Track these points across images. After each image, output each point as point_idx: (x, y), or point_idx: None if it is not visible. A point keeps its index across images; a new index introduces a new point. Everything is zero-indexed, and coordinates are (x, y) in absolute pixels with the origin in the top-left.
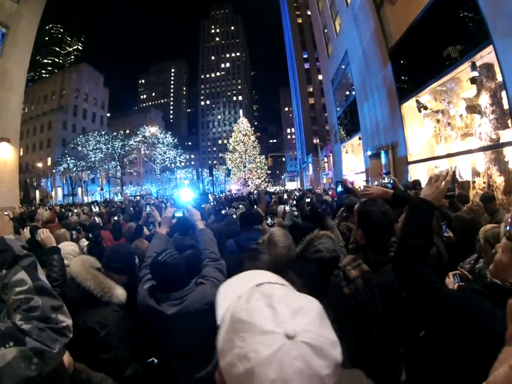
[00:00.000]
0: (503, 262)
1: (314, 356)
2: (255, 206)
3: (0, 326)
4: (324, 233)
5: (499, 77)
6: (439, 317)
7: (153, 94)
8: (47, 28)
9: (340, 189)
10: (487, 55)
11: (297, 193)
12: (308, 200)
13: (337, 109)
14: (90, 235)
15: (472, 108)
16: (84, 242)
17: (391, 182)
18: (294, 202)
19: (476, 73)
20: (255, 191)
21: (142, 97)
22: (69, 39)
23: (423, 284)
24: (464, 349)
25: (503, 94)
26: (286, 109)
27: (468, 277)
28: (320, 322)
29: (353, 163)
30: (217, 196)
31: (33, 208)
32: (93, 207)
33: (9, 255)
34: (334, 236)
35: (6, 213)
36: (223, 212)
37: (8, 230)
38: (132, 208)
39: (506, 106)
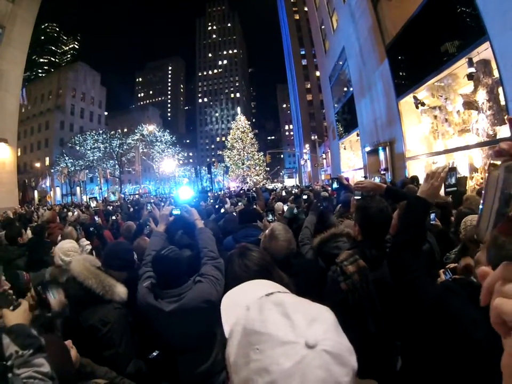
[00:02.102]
0: (481, 261)
1: (334, 364)
2: (254, 204)
3: None
4: (348, 232)
5: (496, 73)
6: (417, 310)
7: (151, 92)
8: (43, 27)
9: (335, 185)
10: (483, 51)
11: (295, 190)
12: (305, 197)
13: (335, 105)
14: (92, 228)
15: (469, 104)
16: (84, 242)
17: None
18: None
19: (472, 69)
20: (253, 188)
21: (139, 95)
22: (65, 38)
23: (406, 277)
24: (440, 344)
25: (500, 90)
26: (284, 105)
27: (458, 268)
28: (337, 330)
29: (351, 159)
30: (216, 194)
31: (33, 208)
32: (91, 202)
33: (37, 343)
34: (353, 234)
35: (6, 213)
36: (222, 210)
37: (28, 317)
38: (131, 207)
39: (503, 102)
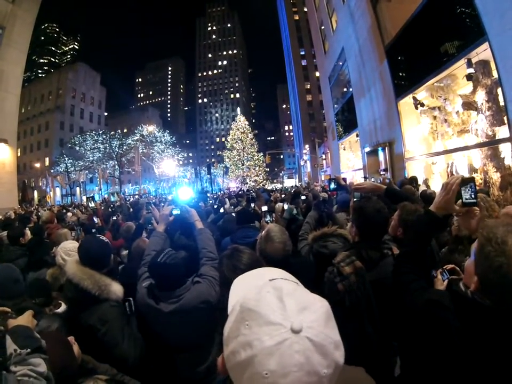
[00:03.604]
0: (468, 268)
1: (315, 352)
2: (253, 204)
3: None
4: (340, 232)
5: (495, 74)
6: (407, 317)
7: (151, 93)
8: (43, 27)
9: (333, 186)
10: (482, 52)
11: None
12: (303, 197)
13: (335, 105)
14: (94, 230)
15: (469, 105)
16: None
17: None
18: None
19: (471, 70)
20: (252, 189)
21: (139, 95)
22: (65, 38)
23: (401, 283)
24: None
25: (499, 90)
26: (284, 106)
27: (455, 269)
28: (326, 322)
29: (351, 160)
30: (216, 195)
31: (32, 209)
32: (88, 202)
33: (36, 343)
34: (349, 235)
35: (8, 213)
36: (221, 210)
37: (33, 324)
38: (130, 208)
39: (502, 103)
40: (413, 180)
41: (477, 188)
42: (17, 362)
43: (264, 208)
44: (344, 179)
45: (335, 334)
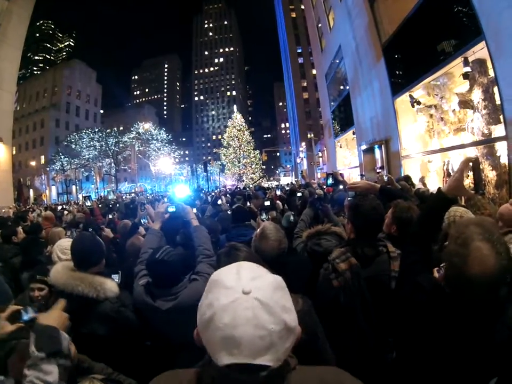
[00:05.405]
0: None
1: (262, 310)
2: (248, 203)
3: None
4: (334, 230)
5: (491, 73)
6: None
7: (147, 90)
8: (38, 24)
9: (330, 181)
10: (479, 51)
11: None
12: (299, 194)
13: (331, 103)
14: (91, 229)
15: (465, 103)
16: None
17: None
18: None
19: (468, 69)
20: (249, 187)
21: (135, 93)
22: (60, 35)
23: (402, 266)
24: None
25: (495, 89)
26: (280, 103)
27: None
28: (274, 290)
29: (347, 158)
30: (213, 193)
31: (28, 207)
32: (85, 201)
33: (55, 345)
34: (344, 233)
35: (4, 210)
36: (219, 202)
37: (64, 327)
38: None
39: (498, 101)
40: (407, 179)
41: (474, 186)
42: (30, 366)
43: (267, 203)
44: (342, 174)
45: (285, 300)
